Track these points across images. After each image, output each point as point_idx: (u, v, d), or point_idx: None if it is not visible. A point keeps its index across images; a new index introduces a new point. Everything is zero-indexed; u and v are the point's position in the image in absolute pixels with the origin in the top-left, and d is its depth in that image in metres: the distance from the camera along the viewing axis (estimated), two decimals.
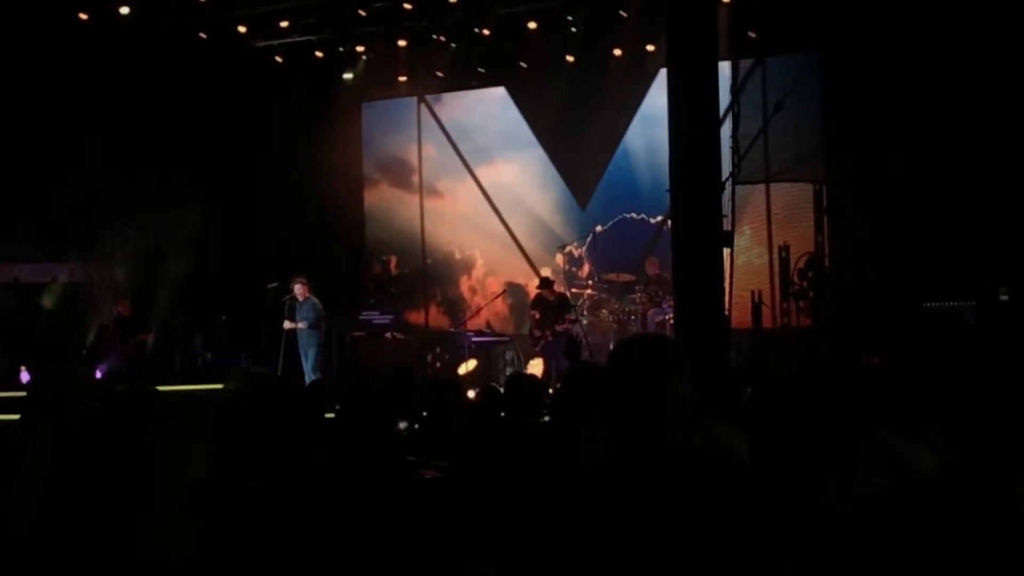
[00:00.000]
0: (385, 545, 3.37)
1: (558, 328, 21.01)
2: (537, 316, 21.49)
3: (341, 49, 24.09)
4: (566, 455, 5.97)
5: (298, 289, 21.17)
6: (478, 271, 26.10)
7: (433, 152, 26.43)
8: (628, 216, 23.81)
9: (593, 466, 3.79)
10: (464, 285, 26.17)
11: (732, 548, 3.32)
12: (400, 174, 26.74)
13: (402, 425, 9.52)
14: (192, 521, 2.78)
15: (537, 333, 21.44)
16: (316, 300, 21.27)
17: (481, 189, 25.86)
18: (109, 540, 2.67)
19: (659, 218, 22.71)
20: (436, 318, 26.07)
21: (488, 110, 25.81)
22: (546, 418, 9.07)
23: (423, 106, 26.40)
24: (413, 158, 26.58)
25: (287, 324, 21.12)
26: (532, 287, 22.09)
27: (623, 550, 3.24)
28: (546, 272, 23.40)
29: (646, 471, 3.50)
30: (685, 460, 3.59)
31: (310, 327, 21.05)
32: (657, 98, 21.13)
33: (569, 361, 19.09)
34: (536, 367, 20.97)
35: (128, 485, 2.71)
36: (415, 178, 26.56)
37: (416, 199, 26.46)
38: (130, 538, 2.67)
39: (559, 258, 24.35)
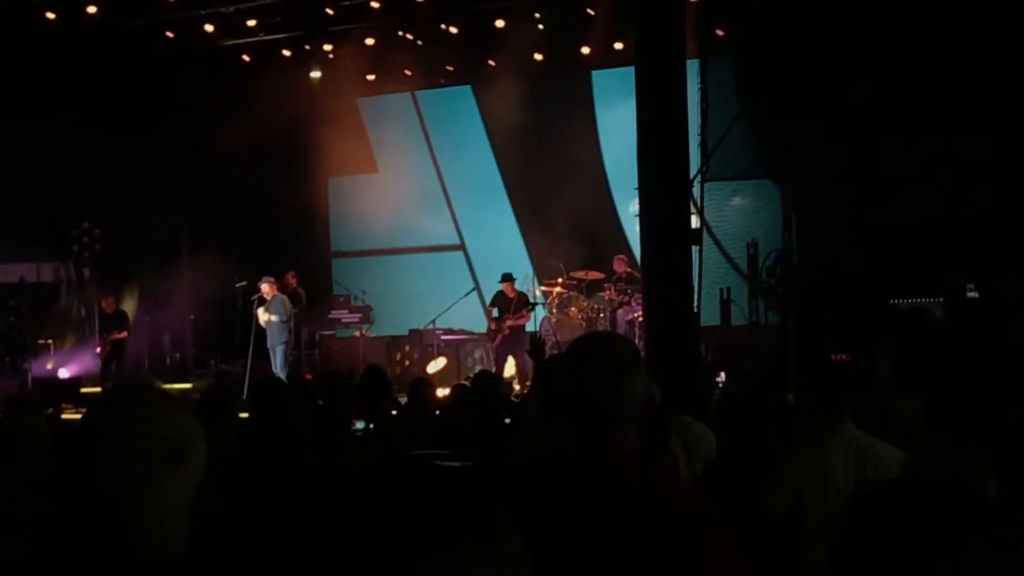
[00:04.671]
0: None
1: (509, 323, 21.07)
2: (494, 313, 21.56)
3: (307, 47, 24.07)
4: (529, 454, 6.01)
5: (265, 288, 21.27)
6: None
7: (415, 155, 26.64)
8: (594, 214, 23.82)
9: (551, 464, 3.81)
10: None
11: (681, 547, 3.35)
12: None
13: (359, 425, 9.53)
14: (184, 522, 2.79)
15: (493, 328, 21.50)
16: (284, 297, 21.40)
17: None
18: (99, 537, 2.68)
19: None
20: None
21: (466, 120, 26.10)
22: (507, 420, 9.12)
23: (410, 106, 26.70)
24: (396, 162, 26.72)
25: (260, 313, 21.13)
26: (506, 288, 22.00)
27: (572, 551, 3.25)
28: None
29: (596, 472, 3.52)
30: (635, 461, 3.62)
31: (279, 322, 21.12)
32: (621, 99, 21.35)
33: (534, 360, 19.12)
34: (509, 366, 20.96)
35: (121, 482, 2.71)
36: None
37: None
38: (122, 537, 2.68)
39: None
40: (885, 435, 6.22)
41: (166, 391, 3.02)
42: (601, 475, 3.46)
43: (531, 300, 21.76)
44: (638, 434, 3.67)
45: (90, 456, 2.71)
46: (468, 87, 25.82)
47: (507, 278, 21.71)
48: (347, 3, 22.02)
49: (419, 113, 26.67)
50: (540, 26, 22.30)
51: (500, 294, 21.67)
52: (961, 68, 18.19)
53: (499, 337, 21.31)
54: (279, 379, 16.19)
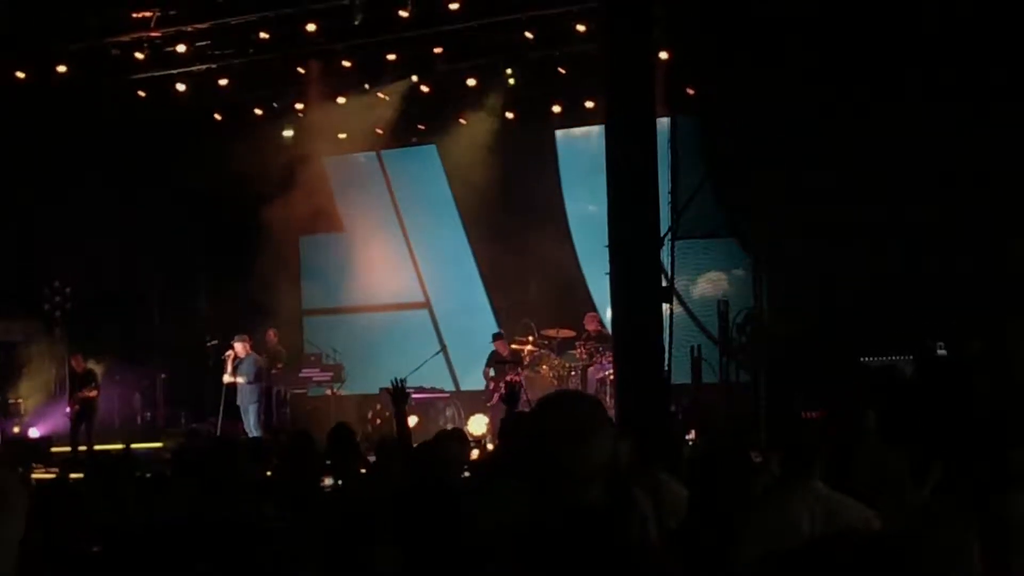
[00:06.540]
0: None
1: (502, 382, 21.13)
2: (491, 373, 21.63)
3: (275, 105, 24.10)
4: (488, 513, 5.99)
5: (238, 347, 21.28)
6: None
7: (380, 213, 26.65)
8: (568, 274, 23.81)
9: (511, 524, 3.79)
10: None
11: None
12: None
13: (327, 481, 9.50)
14: None
15: (492, 388, 21.51)
16: (257, 356, 21.41)
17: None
18: None
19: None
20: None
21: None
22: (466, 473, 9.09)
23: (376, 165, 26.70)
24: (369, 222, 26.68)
25: (227, 378, 21.18)
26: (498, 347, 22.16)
27: None
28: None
29: (557, 530, 3.51)
30: (596, 520, 3.60)
31: (249, 382, 21.12)
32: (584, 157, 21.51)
33: (506, 406, 19.08)
34: (477, 423, 20.96)
35: None
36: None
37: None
38: None
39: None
40: (875, 490, 6.22)
41: None
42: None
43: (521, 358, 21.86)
44: (601, 492, 3.64)
45: None
46: (432, 146, 25.87)
47: (496, 336, 21.89)
48: (318, 62, 22.03)
49: (384, 172, 26.69)
50: (511, 80, 22.34)
51: (494, 354, 21.97)
52: (930, 128, 18.26)
53: (496, 396, 21.30)
54: (231, 442, 16.11)
